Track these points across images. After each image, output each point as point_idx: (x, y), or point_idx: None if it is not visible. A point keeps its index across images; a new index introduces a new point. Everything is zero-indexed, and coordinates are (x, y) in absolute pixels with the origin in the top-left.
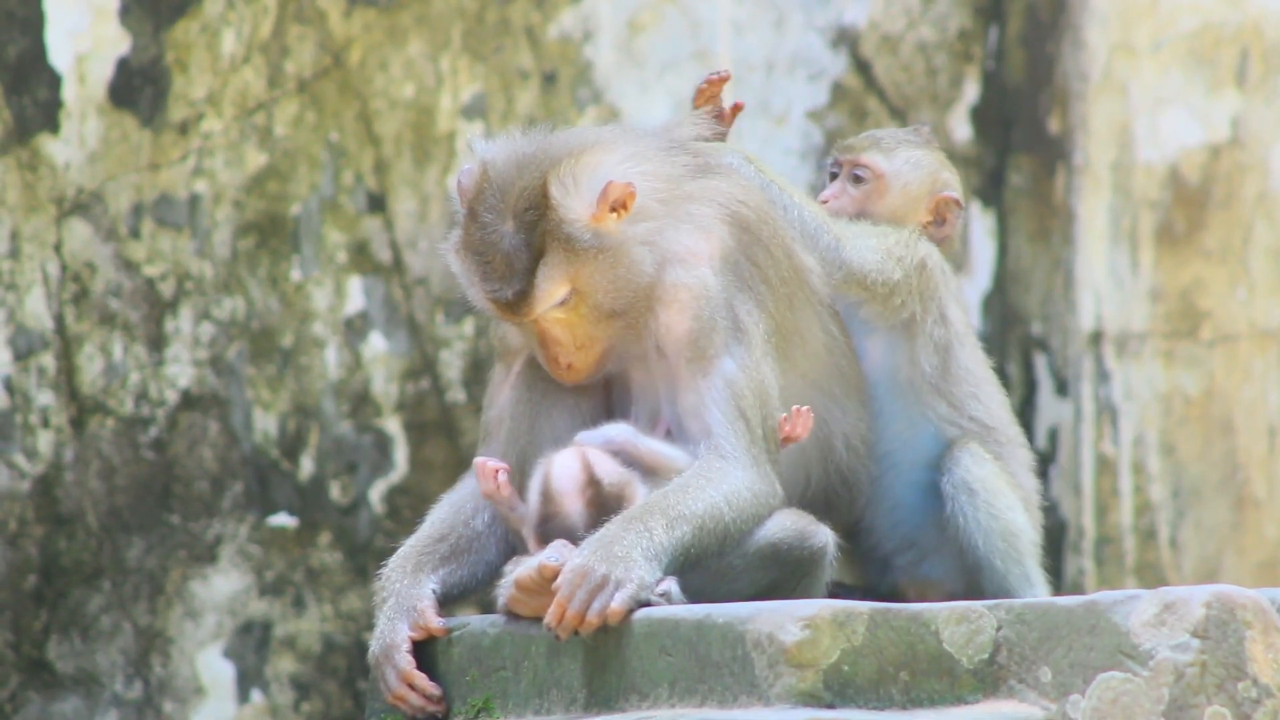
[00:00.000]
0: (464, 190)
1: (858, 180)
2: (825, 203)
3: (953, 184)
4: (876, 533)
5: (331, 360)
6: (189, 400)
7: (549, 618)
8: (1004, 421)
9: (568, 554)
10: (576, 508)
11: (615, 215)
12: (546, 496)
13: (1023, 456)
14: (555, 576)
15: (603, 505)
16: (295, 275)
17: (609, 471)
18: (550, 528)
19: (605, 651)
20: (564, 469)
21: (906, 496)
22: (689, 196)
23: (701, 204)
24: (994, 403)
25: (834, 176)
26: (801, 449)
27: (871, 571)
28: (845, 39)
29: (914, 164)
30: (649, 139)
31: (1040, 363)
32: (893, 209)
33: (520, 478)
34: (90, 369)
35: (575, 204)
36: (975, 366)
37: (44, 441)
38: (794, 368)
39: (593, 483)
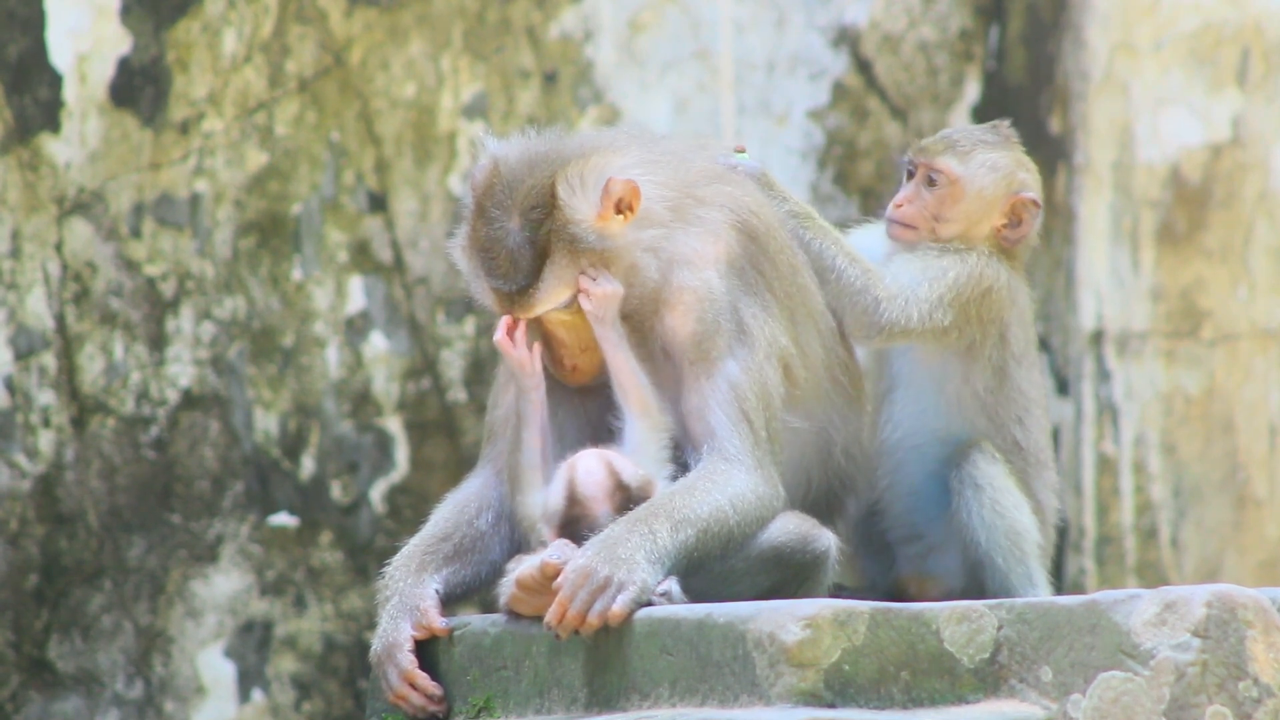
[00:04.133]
0: (475, 186)
1: (932, 184)
2: (900, 206)
3: (1030, 184)
4: (888, 520)
5: (332, 360)
6: (190, 400)
7: (550, 617)
8: (1040, 445)
9: (570, 553)
10: (604, 510)
11: (622, 217)
12: (572, 499)
13: (1048, 478)
14: (557, 575)
15: (630, 507)
16: (296, 275)
17: (634, 475)
18: (575, 528)
19: (606, 651)
20: (589, 474)
21: (923, 487)
22: (700, 201)
23: (712, 209)
24: (1036, 426)
25: (910, 175)
26: (802, 456)
27: (876, 564)
28: (846, 38)
29: (990, 167)
30: (664, 144)
31: (1041, 362)
32: (967, 213)
33: (519, 478)
34: (91, 368)
35: (581, 204)
36: (1028, 387)
37: (45, 441)
38: (792, 378)
39: (621, 487)
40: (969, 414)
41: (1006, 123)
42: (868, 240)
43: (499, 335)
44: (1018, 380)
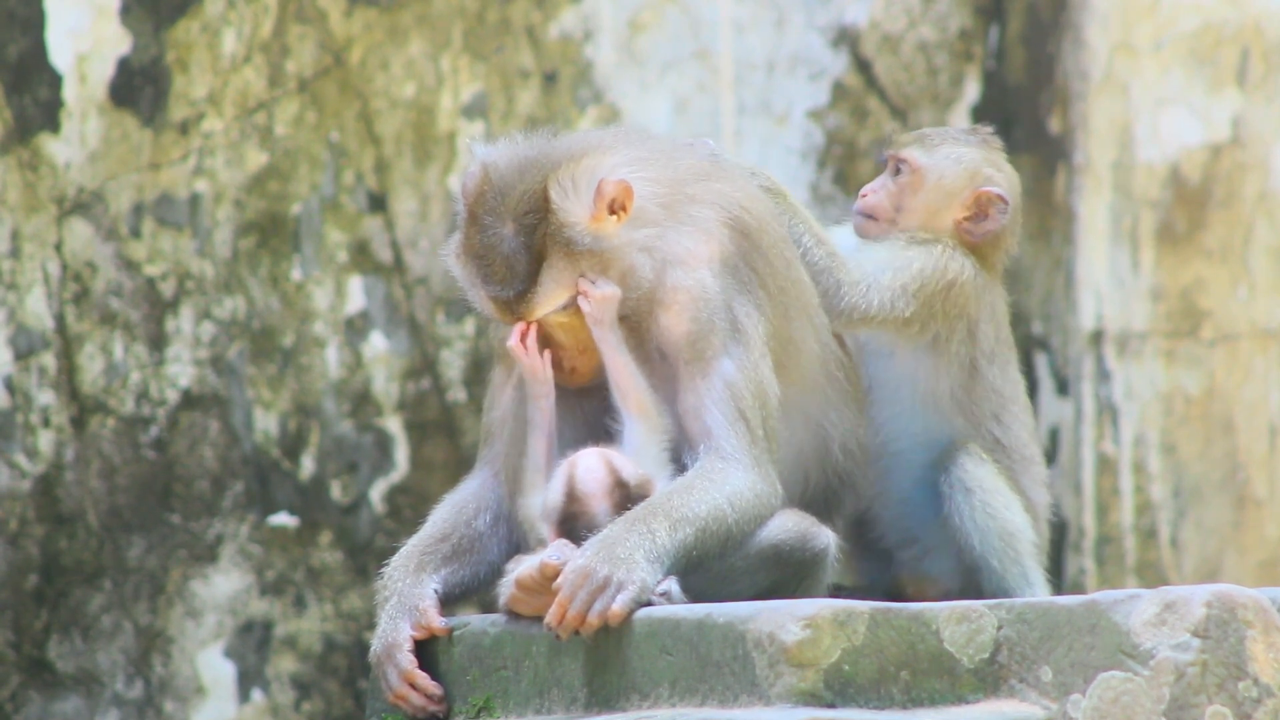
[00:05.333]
0: (466, 193)
1: (898, 174)
2: (864, 196)
3: (996, 180)
4: (881, 526)
5: (332, 360)
6: (190, 400)
7: (550, 617)
8: (1022, 441)
9: (569, 553)
10: (603, 508)
11: (615, 218)
12: (571, 497)
13: (1036, 473)
14: (556, 575)
15: (628, 506)
16: (296, 275)
17: (633, 473)
18: (574, 525)
19: (606, 651)
20: (589, 471)
21: (913, 493)
22: (691, 199)
23: (704, 206)
24: (1015, 423)
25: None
26: (799, 453)
27: (874, 566)
28: (846, 38)
29: (954, 159)
30: (653, 142)
31: (1041, 362)
32: (927, 204)
33: (521, 480)
34: (91, 368)
35: (574, 208)
36: (1003, 385)
37: (45, 441)
38: (787, 375)
39: (620, 484)
40: (944, 413)
41: (989, 128)
42: (843, 239)
43: (512, 341)
44: (990, 378)
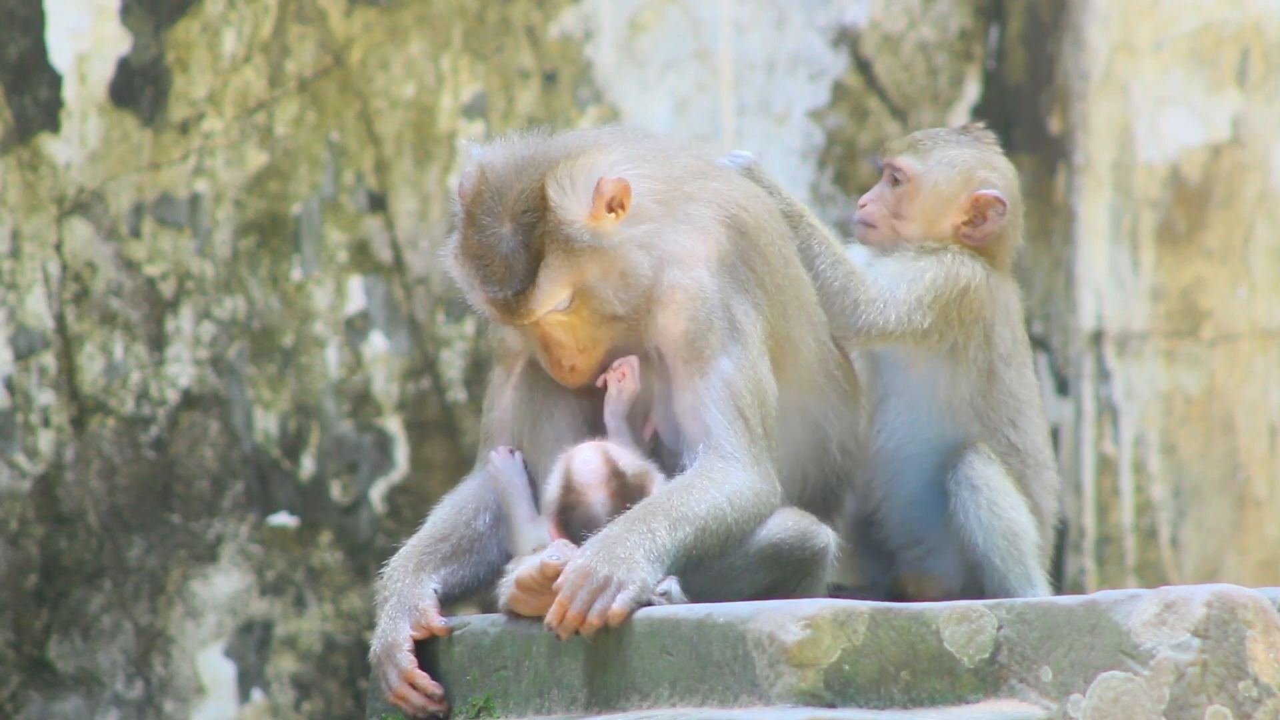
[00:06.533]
0: (463, 193)
1: (895, 183)
2: (863, 206)
3: (993, 181)
4: (887, 529)
5: (332, 360)
6: (190, 400)
7: (550, 617)
8: (1037, 445)
9: (569, 553)
10: (600, 499)
11: (614, 216)
12: (569, 488)
13: (1047, 478)
14: (557, 575)
15: (626, 496)
16: (296, 275)
17: (630, 464)
18: (572, 517)
19: (606, 651)
20: (586, 463)
21: (921, 495)
22: (688, 197)
23: (701, 205)
24: (1031, 426)
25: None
26: (797, 452)
27: (875, 566)
28: (846, 38)
29: (947, 164)
30: (649, 141)
31: (1041, 362)
32: (924, 210)
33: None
34: (91, 368)
35: (573, 206)
36: (1019, 388)
37: (45, 441)
38: (785, 374)
39: (616, 475)
40: (961, 419)
41: (982, 125)
42: (857, 255)
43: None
44: (1007, 382)
